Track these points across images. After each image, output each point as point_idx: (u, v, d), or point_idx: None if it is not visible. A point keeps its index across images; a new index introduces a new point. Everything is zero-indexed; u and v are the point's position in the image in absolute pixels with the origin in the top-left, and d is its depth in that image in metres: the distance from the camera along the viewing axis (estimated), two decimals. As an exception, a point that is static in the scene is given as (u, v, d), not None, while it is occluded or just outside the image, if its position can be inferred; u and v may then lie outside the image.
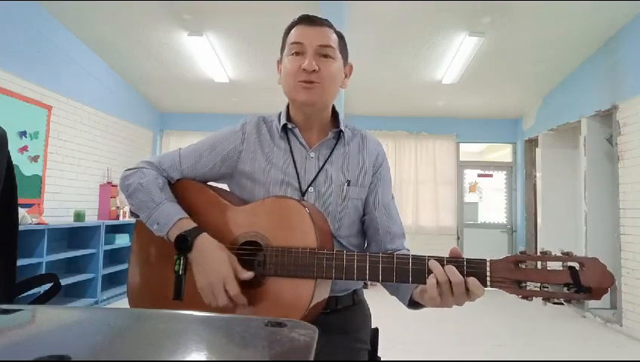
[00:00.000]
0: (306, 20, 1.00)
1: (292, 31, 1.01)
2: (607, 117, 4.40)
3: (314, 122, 1.05)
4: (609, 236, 4.31)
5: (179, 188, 1.02)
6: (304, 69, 0.95)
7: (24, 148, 3.81)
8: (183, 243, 0.88)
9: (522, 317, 4.35)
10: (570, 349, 3.49)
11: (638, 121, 3.86)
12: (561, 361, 3.19)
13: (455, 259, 0.79)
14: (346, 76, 1.07)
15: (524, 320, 4.26)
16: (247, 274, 0.86)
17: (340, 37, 1.04)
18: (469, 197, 6.70)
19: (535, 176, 5.92)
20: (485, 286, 0.78)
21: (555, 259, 0.77)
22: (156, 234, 0.93)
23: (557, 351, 3.43)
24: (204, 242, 0.89)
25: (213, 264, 0.86)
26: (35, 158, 3.95)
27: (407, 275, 0.81)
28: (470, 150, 7.03)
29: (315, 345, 0.42)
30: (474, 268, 0.78)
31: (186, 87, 5.78)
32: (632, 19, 3.94)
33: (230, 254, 0.88)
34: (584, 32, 4.18)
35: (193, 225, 0.91)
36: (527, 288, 0.77)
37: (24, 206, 3.71)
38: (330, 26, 1.02)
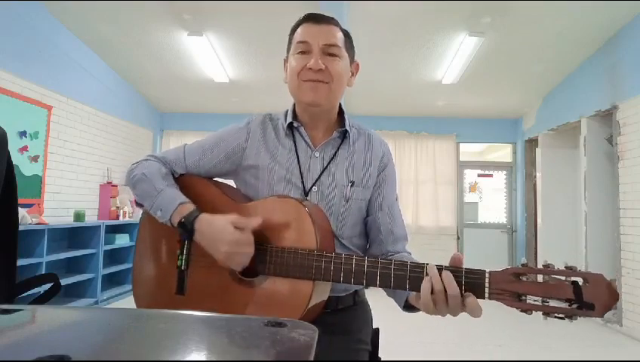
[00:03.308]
0: (312, 19, 1.00)
1: (298, 29, 1.01)
2: (607, 117, 4.40)
3: (320, 121, 1.04)
4: (609, 236, 4.31)
5: (182, 184, 1.02)
6: (310, 68, 0.95)
7: (24, 148, 3.81)
8: (185, 229, 0.90)
9: (522, 317, 4.33)
10: (570, 349, 3.49)
11: (638, 121, 3.85)
12: (561, 361, 3.19)
13: (454, 269, 0.77)
14: (352, 75, 1.06)
15: (524, 320, 4.25)
16: (255, 221, 0.86)
17: (347, 35, 1.03)
18: (469, 197, 6.70)
19: (535, 176, 5.92)
20: (483, 297, 0.75)
21: (558, 273, 0.74)
22: (160, 221, 0.94)
23: (557, 351, 3.43)
24: (204, 222, 0.89)
25: (218, 235, 0.86)
26: (35, 158, 3.95)
27: (404, 282, 0.80)
28: (470, 150, 7.03)
29: (315, 345, 0.42)
30: (472, 279, 0.76)
31: (186, 87, 5.78)
32: (632, 19, 3.94)
33: (227, 216, 0.88)
34: (584, 32, 4.18)
35: (192, 208, 0.92)
36: (527, 301, 0.74)
37: (24, 206, 3.71)
38: (337, 24, 1.02)
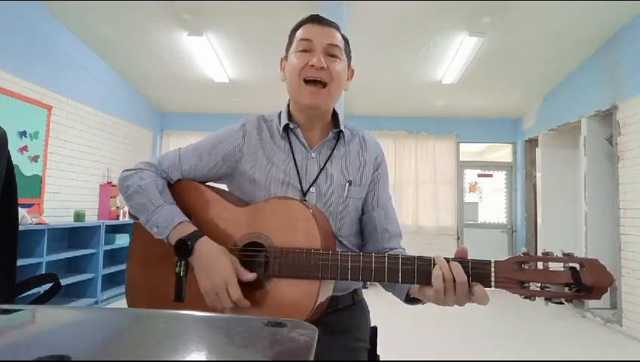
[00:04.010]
0: (316, 20, 1.01)
1: (300, 29, 1.02)
2: (607, 117, 4.40)
3: (315, 123, 1.05)
4: (609, 236, 4.31)
5: (179, 189, 1.01)
6: (312, 65, 0.96)
7: (24, 148, 3.81)
8: (184, 248, 0.88)
9: (522, 317, 4.35)
10: (570, 349, 3.49)
11: (638, 121, 3.85)
12: (561, 361, 3.19)
13: (460, 260, 0.80)
14: (348, 78, 1.08)
15: (524, 320, 4.26)
16: (250, 276, 0.86)
17: (346, 40, 1.05)
18: (469, 197, 6.70)
19: (535, 176, 5.92)
20: (490, 286, 0.79)
21: (557, 259, 0.78)
22: (155, 237, 0.93)
23: (557, 351, 3.43)
24: (205, 246, 0.88)
25: (215, 268, 0.86)
26: (35, 158, 3.95)
27: (412, 276, 0.82)
28: (470, 150, 7.04)
29: (315, 345, 0.42)
30: (479, 269, 0.79)
31: (186, 87, 5.78)
32: (632, 19, 3.94)
33: (232, 256, 0.88)
34: (584, 32, 4.18)
35: (193, 228, 0.91)
36: (530, 288, 0.78)
37: (24, 206, 3.71)
38: (338, 28, 1.03)
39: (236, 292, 0.85)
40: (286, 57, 1.05)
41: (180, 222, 0.92)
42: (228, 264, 0.86)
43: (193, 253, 0.88)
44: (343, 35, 1.05)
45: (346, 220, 1.02)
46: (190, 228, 0.91)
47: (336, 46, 1.00)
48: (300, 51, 0.99)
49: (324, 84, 0.98)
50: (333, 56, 0.99)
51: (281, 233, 0.88)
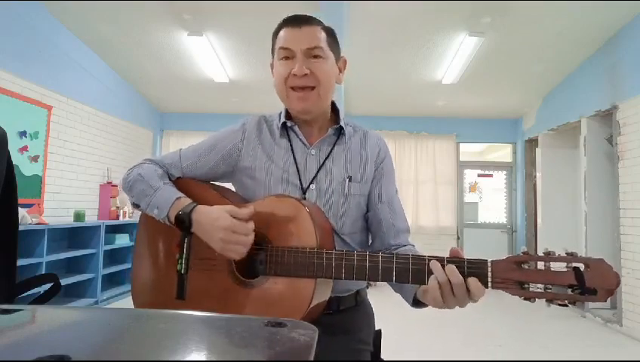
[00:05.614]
0: (292, 22, 0.99)
1: (280, 34, 1.00)
2: (607, 117, 4.40)
3: (314, 121, 1.05)
4: (609, 236, 4.31)
5: (179, 187, 1.01)
6: (295, 74, 0.95)
7: (24, 148, 3.81)
8: (183, 223, 0.89)
9: (522, 318, 4.35)
10: (570, 349, 3.49)
11: (638, 121, 3.85)
12: (561, 361, 3.19)
13: (456, 260, 0.78)
14: (340, 71, 1.06)
15: (524, 321, 4.26)
16: (246, 211, 0.85)
17: (329, 33, 1.02)
18: (469, 197, 6.70)
19: (535, 176, 5.92)
20: (487, 287, 0.76)
21: (559, 259, 0.74)
22: (157, 218, 0.94)
23: (557, 351, 3.43)
24: (201, 214, 0.88)
25: (214, 223, 0.86)
26: (35, 158, 3.95)
27: (406, 275, 0.80)
28: (470, 150, 7.04)
29: (315, 345, 0.42)
30: (474, 269, 0.77)
31: (186, 87, 5.78)
32: (632, 19, 3.94)
33: (223, 206, 0.88)
34: (584, 32, 4.18)
35: (188, 201, 0.92)
36: (530, 289, 0.74)
37: (24, 206, 3.71)
38: (318, 23, 1.00)
39: (245, 227, 0.84)
40: (273, 63, 1.05)
41: (177, 198, 0.92)
42: (221, 213, 0.86)
43: (193, 225, 0.88)
44: (326, 28, 1.01)
45: (347, 217, 1.01)
46: (185, 201, 0.92)
47: (317, 47, 0.97)
48: (282, 59, 0.98)
49: (312, 87, 0.97)
50: (315, 57, 0.97)
51: (277, 231, 0.88)
